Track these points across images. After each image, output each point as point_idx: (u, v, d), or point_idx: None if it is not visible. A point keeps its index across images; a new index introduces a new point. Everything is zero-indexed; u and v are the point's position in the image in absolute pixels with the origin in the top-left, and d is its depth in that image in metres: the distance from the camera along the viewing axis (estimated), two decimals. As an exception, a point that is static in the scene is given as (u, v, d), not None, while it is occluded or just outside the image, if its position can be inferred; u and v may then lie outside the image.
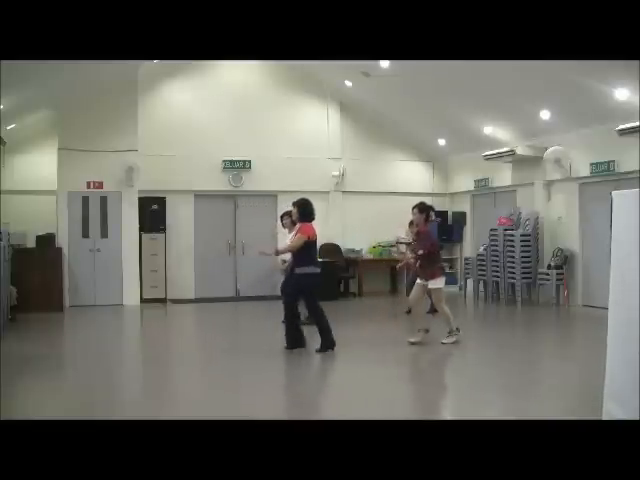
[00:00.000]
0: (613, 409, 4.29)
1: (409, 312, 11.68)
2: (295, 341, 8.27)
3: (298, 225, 8.47)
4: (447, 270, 16.56)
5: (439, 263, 8.89)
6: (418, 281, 8.82)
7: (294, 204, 8.48)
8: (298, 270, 8.28)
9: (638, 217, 4.06)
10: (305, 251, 8.25)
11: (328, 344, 8.24)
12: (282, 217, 10.25)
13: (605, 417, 4.36)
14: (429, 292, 8.86)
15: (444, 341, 8.67)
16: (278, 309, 11.05)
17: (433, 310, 11.58)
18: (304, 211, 8.38)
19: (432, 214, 9.02)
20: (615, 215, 4.34)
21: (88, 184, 13.75)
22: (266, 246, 9.03)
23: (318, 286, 8.40)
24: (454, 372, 7.53)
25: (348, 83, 14.87)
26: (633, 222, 4.10)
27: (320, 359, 8.23)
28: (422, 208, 8.86)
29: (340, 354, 8.46)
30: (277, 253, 8.80)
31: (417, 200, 15.69)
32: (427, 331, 8.86)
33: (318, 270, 8.36)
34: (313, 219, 8.47)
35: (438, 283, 8.70)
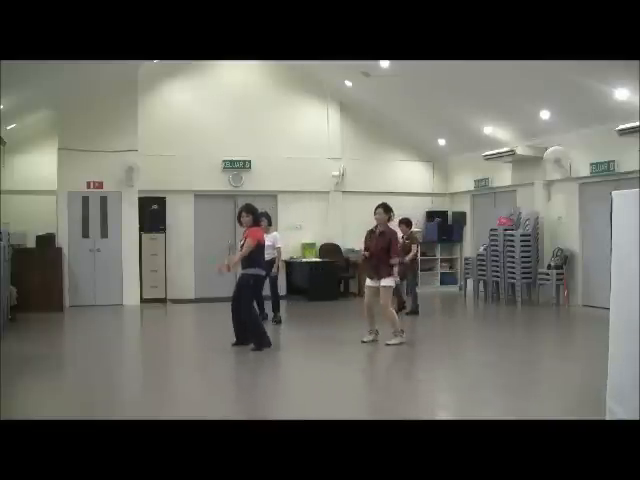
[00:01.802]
0: (615, 408, 4.29)
1: (409, 313, 11.70)
2: (244, 338, 8.50)
3: (247, 230, 8.64)
4: (447, 270, 16.72)
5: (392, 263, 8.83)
6: (369, 283, 8.80)
7: (246, 210, 8.73)
8: (244, 271, 8.51)
9: (638, 217, 4.06)
10: (254, 254, 8.46)
11: (264, 343, 8.37)
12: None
13: (608, 417, 4.36)
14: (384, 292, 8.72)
15: (389, 342, 8.62)
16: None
17: (411, 311, 11.69)
18: (255, 217, 8.77)
19: (392, 214, 9.00)
20: (615, 215, 4.34)
21: (88, 184, 13.75)
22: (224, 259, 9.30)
23: (259, 286, 8.80)
24: (454, 372, 7.53)
25: (348, 83, 14.86)
26: (633, 222, 4.10)
27: (319, 359, 8.23)
28: (388, 207, 8.88)
29: (339, 354, 8.46)
30: (229, 269, 8.66)
31: (417, 200, 16.04)
32: (377, 332, 8.92)
33: (263, 273, 8.68)
34: (260, 224, 9.02)
35: (390, 282, 8.68)
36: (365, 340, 8.82)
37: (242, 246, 8.54)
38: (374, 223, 8.94)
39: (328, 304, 13.87)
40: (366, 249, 8.89)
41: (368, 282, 8.85)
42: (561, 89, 11.16)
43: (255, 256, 8.47)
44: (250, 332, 8.43)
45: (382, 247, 8.68)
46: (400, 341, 8.63)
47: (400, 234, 11.89)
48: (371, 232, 8.94)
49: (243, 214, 8.68)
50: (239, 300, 8.53)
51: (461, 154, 15.91)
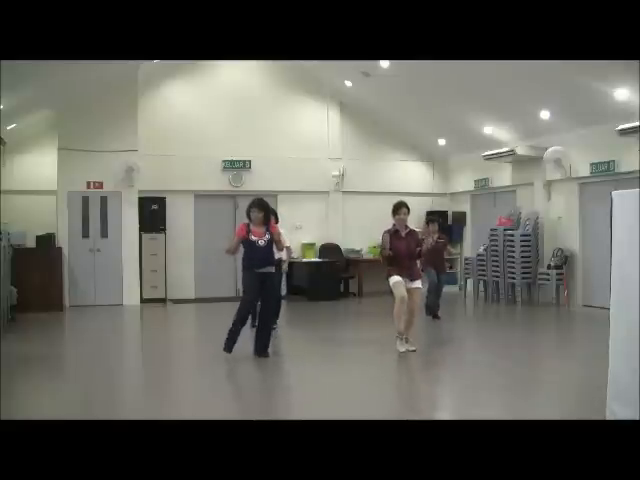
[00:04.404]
0: (617, 409, 4.29)
1: (435, 316, 11.21)
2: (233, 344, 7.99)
3: (267, 226, 8.10)
4: (447, 270, 16.66)
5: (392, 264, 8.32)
6: (407, 285, 8.15)
7: (258, 207, 8.04)
8: (271, 269, 8.08)
9: (638, 217, 4.06)
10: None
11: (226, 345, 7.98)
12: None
13: (609, 417, 4.36)
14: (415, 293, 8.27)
15: (414, 348, 8.21)
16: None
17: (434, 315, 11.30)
18: (268, 214, 8.18)
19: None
20: (615, 215, 4.35)
21: (88, 184, 13.76)
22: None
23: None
24: (454, 372, 7.52)
25: (348, 83, 14.86)
26: (633, 222, 4.10)
27: (317, 360, 8.22)
28: (409, 207, 8.44)
29: (339, 354, 8.46)
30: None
31: (417, 200, 15.96)
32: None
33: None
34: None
35: (421, 283, 8.38)
36: (405, 350, 8.13)
37: (270, 241, 7.96)
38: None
39: (328, 304, 13.87)
40: (390, 249, 8.20)
41: (403, 283, 8.12)
42: (561, 89, 11.15)
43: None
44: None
45: (414, 248, 8.27)
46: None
47: (434, 234, 11.34)
48: (395, 232, 8.29)
49: (255, 210, 8.04)
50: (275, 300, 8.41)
51: (461, 154, 15.90)
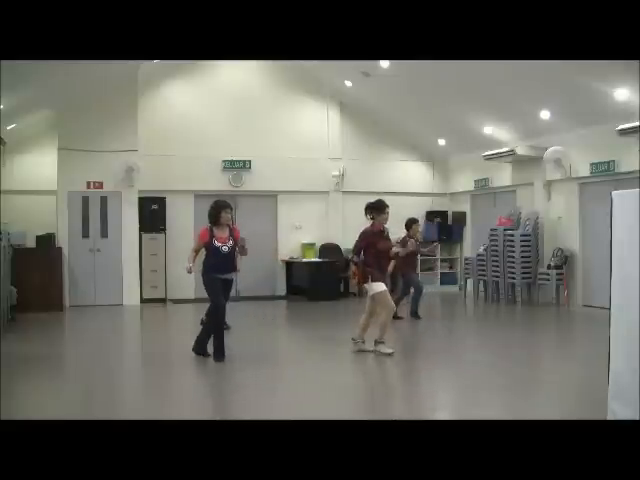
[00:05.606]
0: (617, 409, 4.29)
1: (398, 317, 11.16)
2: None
3: (231, 228, 8.02)
4: (447, 270, 16.70)
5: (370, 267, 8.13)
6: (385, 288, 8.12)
7: (230, 208, 8.00)
8: (230, 275, 7.89)
9: (638, 217, 4.06)
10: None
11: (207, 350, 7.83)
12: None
13: (610, 417, 4.36)
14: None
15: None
16: (277, 309, 11.09)
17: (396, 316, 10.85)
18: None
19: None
20: (615, 215, 4.35)
21: (88, 184, 13.76)
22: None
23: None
24: (454, 372, 7.52)
25: (348, 83, 14.86)
26: (633, 222, 4.10)
27: (317, 359, 8.22)
28: None
29: (338, 353, 8.45)
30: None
31: (417, 200, 16.01)
32: (363, 342, 8.29)
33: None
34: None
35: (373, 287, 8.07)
36: (392, 351, 8.04)
37: (233, 247, 7.80)
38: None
39: (328, 304, 13.87)
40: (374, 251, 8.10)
41: (384, 287, 8.09)
42: (561, 89, 11.16)
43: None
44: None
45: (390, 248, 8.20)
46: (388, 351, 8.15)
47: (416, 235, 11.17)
48: (380, 232, 8.19)
49: (228, 210, 7.98)
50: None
51: (461, 154, 15.90)
